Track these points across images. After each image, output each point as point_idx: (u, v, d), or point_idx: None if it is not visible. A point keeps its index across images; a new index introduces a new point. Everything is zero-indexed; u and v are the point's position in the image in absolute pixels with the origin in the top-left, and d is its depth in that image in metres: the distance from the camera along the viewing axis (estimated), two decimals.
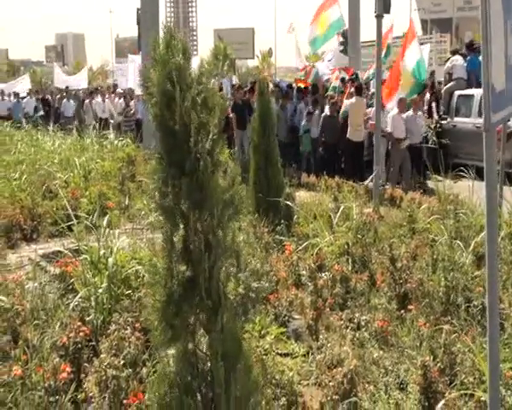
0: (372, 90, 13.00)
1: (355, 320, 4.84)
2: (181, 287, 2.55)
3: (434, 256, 5.81)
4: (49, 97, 25.21)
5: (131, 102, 19.51)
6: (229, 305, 2.62)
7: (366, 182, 10.12)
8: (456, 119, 13.41)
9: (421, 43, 15.13)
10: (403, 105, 11.73)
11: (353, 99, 12.79)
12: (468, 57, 14.21)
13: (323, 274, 5.74)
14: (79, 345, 4.07)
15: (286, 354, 4.57)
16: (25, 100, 24.21)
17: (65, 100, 22.70)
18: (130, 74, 22.32)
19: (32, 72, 50.07)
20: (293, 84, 17.28)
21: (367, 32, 18.48)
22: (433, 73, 16.73)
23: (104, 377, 3.62)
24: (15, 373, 3.74)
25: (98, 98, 21.78)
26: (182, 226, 2.57)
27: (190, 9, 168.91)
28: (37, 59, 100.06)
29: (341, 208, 7.58)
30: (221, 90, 16.17)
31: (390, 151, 12.07)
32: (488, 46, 2.48)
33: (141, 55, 18.43)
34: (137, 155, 12.24)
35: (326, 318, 4.91)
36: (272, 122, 8.33)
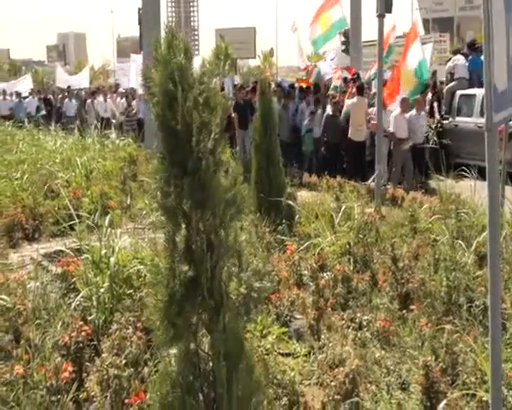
0: (374, 90, 13.00)
1: (357, 320, 4.84)
2: (183, 287, 2.55)
3: (436, 256, 5.80)
4: (51, 97, 25.22)
5: (133, 102, 19.52)
6: (232, 305, 2.61)
7: (369, 182, 10.11)
8: (457, 118, 13.39)
9: (423, 43, 15.11)
10: (405, 105, 11.72)
11: (355, 99, 12.79)
12: (470, 57, 14.18)
13: (325, 274, 5.74)
14: (81, 344, 4.08)
15: (287, 354, 4.57)
16: (27, 100, 24.25)
17: (67, 100, 22.73)
18: (132, 74, 22.34)
19: (34, 71, 50.11)
20: (296, 84, 17.27)
21: (369, 32, 18.48)
22: (434, 73, 16.71)
23: (106, 377, 3.62)
24: (17, 372, 3.75)
25: (100, 98, 21.80)
26: (184, 226, 2.57)
27: (192, 9, 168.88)
28: (39, 58, 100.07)
29: (343, 208, 7.58)
30: (223, 89, 16.17)
31: (392, 151, 12.07)
32: (490, 45, 2.48)
33: (142, 54, 18.43)
34: (139, 155, 12.26)
35: (328, 318, 4.91)
36: (274, 122, 8.33)
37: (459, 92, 13.60)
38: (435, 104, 13.91)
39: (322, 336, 4.57)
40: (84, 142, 14.11)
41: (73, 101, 22.30)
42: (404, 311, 5.03)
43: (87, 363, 4.04)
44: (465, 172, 8.87)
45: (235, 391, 2.56)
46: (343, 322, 4.79)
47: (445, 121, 13.52)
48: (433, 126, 13.02)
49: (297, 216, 7.96)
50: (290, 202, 7.97)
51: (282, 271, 5.78)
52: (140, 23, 20.64)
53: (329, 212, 7.74)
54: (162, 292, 2.55)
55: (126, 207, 8.92)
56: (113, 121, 20.18)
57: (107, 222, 5.95)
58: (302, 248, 6.51)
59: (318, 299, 5.14)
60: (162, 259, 2.64)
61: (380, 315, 4.92)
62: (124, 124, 18.98)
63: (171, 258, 2.57)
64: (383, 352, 4.42)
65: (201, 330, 2.64)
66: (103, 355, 3.80)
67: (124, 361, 3.75)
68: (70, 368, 3.79)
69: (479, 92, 12.53)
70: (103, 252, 5.19)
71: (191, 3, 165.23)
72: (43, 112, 23.08)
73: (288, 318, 5.11)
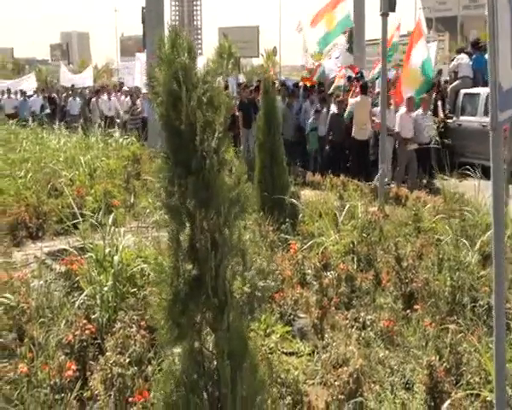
0: (377, 89, 12.96)
1: (360, 320, 4.83)
2: (187, 285, 2.55)
3: (440, 255, 5.79)
4: (55, 96, 25.28)
5: (138, 101, 19.53)
6: (236, 303, 2.61)
7: (374, 181, 10.08)
8: (461, 117, 13.36)
9: (427, 42, 15.07)
10: (411, 104, 11.66)
11: (358, 98, 12.75)
12: (474, 55, 14.15)
13: (329, 273, 5.73)
14: (85, 343, 4.09)
15: (291, 353, 4.57)
16: (31, 98, 24.31)
17: (71, 98, 22.79)
18: (136, 72, 22.36)
19: (38, 70, 50.18)
20: (300, 83, 17.24)
21: (373, 31, 18.44)
22: (440, 72, 16.67)
23: (110, 375, 3.63)
24: (21, 371, 3.76)
25: (104, 96, 21.80)
26: (188, 225, 2.57)
27: (195, 8, 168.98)
28: (42, 57, 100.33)
29: (347, 207, 7.57)
30: (227, 88, 16.17)
31: (397, 150, 12.03)
32: (495, 42, 2.47)
33: (146, 53, 18.43)
34: (143, 154, 12.26)
35: (331, 317, 4.90)
36: (277, 121, 8.33)
37: (463, 91, 13.57)
38: (439, 103, 13.87)
39: (326, 336, 4.56)
40: (87, 140, 14.12)
41: (77, 99, 22.35)
42: (408, 311, 5.02)
43: (91, 361, 4.04)
44: (469, 171, 8.85)
45: (239, 390, 2.56)
46: (347, 321, 4.78)
47: (449, 120, 13.50)
48: (435, 126, 12.97)
49: (300, 215, 7.96)
50: (294, 201, 7.97)
51: (285, 270, 5.77)
52: (143, 22, 20.60)
53: (333, 211, 7.74)
54: (166, 291, 2.56)
55: (130, 206, 8.94)
56: (118, 120, 20.19)
57: (110, 221, 5.95)
58: (306, 247, 6.50)
59: (322, 298, 5.14)
60: (166, 257, 2.64)
61: (384, 315, 4.91)
62: (128, 122, 18.97)
63: (175, 257, 2.57)
64: (387, 352, 4.41)
65: (205, 328, 2.64)
66: (107, 354, 3.81)
67: (127, 360, 3.75)
68: (74, 367, 3.79)
69: (483, 91, 12.50)
70: (107, 251, 5.19)
71: (194, 2, 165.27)
72: (48, 110, 23.11)
73: (292, 317, 5.11)
